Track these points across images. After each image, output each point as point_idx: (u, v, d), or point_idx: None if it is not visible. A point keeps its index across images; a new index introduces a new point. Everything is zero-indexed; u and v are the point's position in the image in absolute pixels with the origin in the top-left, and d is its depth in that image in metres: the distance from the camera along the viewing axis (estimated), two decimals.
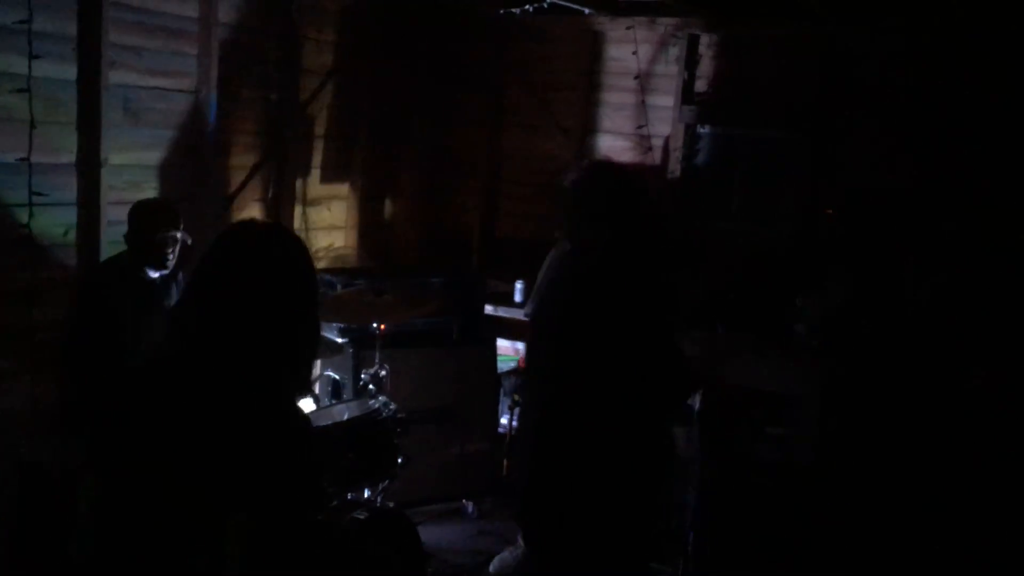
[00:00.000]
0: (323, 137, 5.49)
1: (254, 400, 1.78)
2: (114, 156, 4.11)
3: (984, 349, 2.41)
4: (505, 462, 4.89)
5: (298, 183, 5.32)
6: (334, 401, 4.54)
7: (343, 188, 5.72)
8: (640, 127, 5.47)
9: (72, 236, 4.03)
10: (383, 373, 4.17)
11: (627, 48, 5.46)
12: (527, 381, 3.17)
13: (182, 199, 4.30)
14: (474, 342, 5.15)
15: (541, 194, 5.63)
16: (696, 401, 4.00)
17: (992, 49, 4.42)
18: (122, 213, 3.83)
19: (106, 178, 4.07)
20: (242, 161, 4.95)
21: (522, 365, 5.50)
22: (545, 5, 5.31)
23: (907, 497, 3.68)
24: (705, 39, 5.32)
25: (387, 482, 4.06)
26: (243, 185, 4.97)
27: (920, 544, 2.47)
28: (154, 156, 4.42)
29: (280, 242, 1.91)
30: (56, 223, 3.97)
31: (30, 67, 3.72)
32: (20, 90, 3.71)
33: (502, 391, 5.29)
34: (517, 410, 4.69)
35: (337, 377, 4.77)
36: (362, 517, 3.38)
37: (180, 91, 4.48)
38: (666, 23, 5.36)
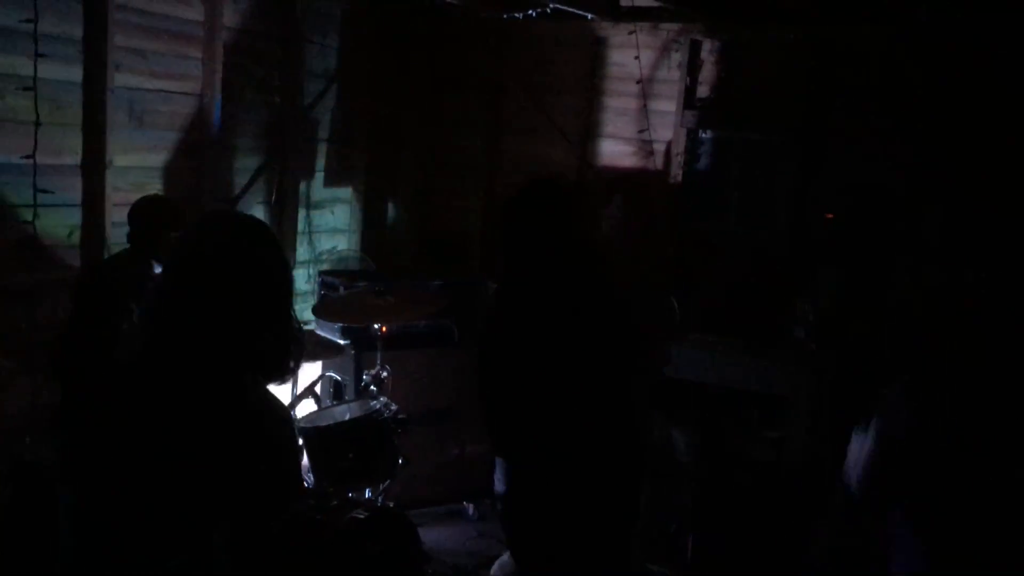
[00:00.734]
0: (326, 140, 5.53)
1: (221, 401, 1.73)
2: (119, 158, 4.15)
3: (976, 348, 2.43)
4: None
5: (301, 186, 5.35)
6: (335, 402, 4.56)
7: (346, 191, 5.75)
8: (642, 131, 5.50)
9: (76, 237, 4.07)
10: (384, 374, 4.19)
11: (629, 53, 5.48)
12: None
13: (186, 201, 4.33)
14: (474, 344, 5.16)
15: None
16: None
17: (989, 48, 4.44)
18: (126, 215, 3.85)
19: (111, 179, 4.10)
20: (246, 164, 4.98)
21: None
22: (548, 10, 5.34)
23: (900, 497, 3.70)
24: (707, 44, 5.34)
25: (387, 482, 4.08)
26: (247, 188, 5.00)
27: (914, 544, 2.48)
28: (158, 158, 4.46)
29: (247, 236, 1.83)
30: (60, 224, 4.00)
31: (36, 67, 3.76)
32: (25, 89, 3.74)
33: None
34: None
35: (339, 378, 4.80)
36: (362, 517, 3.40)
37: (185, 94, 4.52)
38: (668, 28, 5.39)
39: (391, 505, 3.91)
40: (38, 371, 3.83)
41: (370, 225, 5.88)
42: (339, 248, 5.73)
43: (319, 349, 4.50)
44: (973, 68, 4.46)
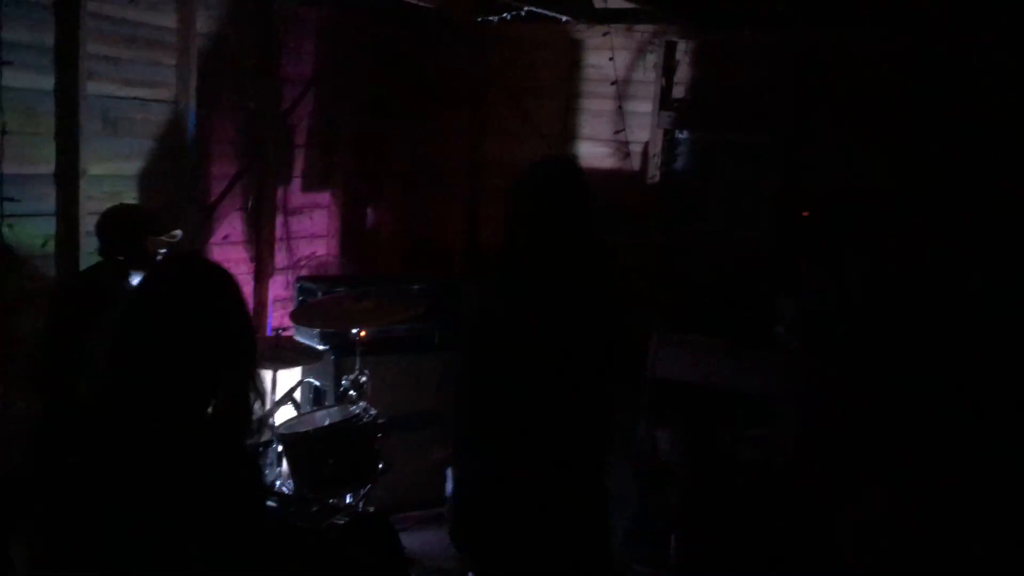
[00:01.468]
0: (304, 146, 5.51)
1: (178, 447, 1.71)
2: (93, 167, 4.12)
3: (963, 345, 2.44)
4: None
5: (279, 192, 5.34)
6: (315, 407, 4.55)
7: (324, 197, 5.74)
8: (618, 132, 5.51)
9: (51, 247, 4.03)
10: (364, 379, 4.19)
11: (605, 55, 5.50)
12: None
13: (162, 209, 4.31)
14: (455, 348, 5.15)
15: None
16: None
17: (967, 50, 4.48)
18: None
19: (85, 188, 4.07)
20: (222, 170, 4.97)
21: None
22: (523, 13, 5.35)
23: (889, 496, 3.72)
24: (682, 45, 5.37)
25: (368, 488, 4.08)
26: (224, 195, 4.98)
27: (904, 543, 2.49)
28: (133, 166, 4.44)
29: (208, 286, 1.81)
30: (34, 234, 3.97)
31: (0, 75, 3.73)
32: None
33: None
34: None
35: (318, 384, 4.79)
36: (343, 522, 3.39)
37: (159, 101, 4.50)
38: (643, 30, 5.41)
39: (372, 510, 3.90)
40: (11, 382, 3.79)
41: (349, 231, 5.87)
42: (318, 254, 5.72)
43: (298, 355, 4.48)
44: (953, 70, 4.51)
